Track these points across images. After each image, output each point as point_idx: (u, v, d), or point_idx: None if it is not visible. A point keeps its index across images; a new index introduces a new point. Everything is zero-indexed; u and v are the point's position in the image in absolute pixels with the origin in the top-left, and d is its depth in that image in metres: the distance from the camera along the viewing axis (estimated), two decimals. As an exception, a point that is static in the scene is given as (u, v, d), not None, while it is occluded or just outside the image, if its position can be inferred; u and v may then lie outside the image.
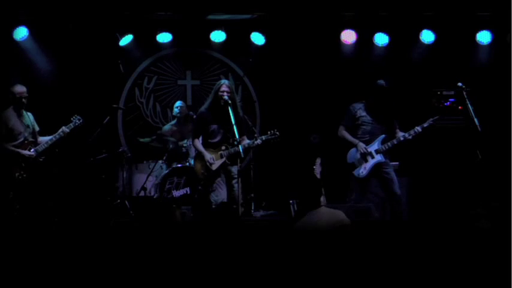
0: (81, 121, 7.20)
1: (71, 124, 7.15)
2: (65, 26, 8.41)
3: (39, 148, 7.07)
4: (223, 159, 6.65)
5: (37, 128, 7.22)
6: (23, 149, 6.95)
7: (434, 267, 3.34)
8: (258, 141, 6.74)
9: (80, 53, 8.52)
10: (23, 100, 7.00)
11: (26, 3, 7.99)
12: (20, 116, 7.06)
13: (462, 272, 3.33)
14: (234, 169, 6.66)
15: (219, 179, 6.74)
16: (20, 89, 7.02)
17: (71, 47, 8.48)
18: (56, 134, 7.13)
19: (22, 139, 6.98)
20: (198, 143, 6.83)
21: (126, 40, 8.59)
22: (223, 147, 6.68)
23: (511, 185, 6.41)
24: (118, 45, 8.56)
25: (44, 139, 7.18)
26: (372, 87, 7.00)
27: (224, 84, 6.67)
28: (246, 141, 6.68)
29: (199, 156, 6.83)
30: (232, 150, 6.59)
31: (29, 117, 7.15)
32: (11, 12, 8.08)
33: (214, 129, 6.72)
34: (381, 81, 6.98)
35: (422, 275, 3.29)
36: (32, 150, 6.99)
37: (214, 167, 6.65)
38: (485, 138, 6.35)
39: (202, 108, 6.88)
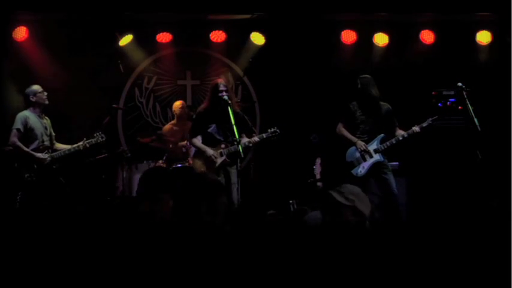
0: (103, 139, 7.15)
1: (92, 140, 7.09)
2: (65, 26, 8.42)
3: (56, 155, 7.01)
4: (223, 157, 6.59)
5: (53, 134, 7.20)
6: (37, 152, 6.92)
7: (433, 268, 3.34)
8: (256, 138, 6.68)
9: (80, 53, 8.52)
10: (45, 99, 7.00)
11: (26, 3, 8.00)
12: (40, 117, 7.04)
13: (461, 273, 3.33)
14: (233, 172, 6.61)
15: (218, 178, 6.63)
16: (41, 88, 7.02)
17: (70, 47, 8.49)
18: (76, 145, 7.08)
19: (39, 142, 6.94)
20: (197, 140, 6.77)
21: (126, 40, 8.60)
22: (222, 146, 6.63)
23: (511, 184, 6.40)
24: (118, 45, 8.57)
25: (61, 147, 7.15)
26: (356, 83, 7.02)
27: (222, 84, 6.61)
28: (246, 140, 6.62)
29: (198, 153, 6.79)
30: (232, 148, 6.54)
31: (47, 121, 7.14)
32: (11, 12, 8.10)
33: (213, 128, 6.67)
34: (363, 76, 7.00)
35: (421, 276, 3.29)
36: (46, 154, 6.95)
37: (218, 161, 6.58)
38: (485, 138, 6.34)
39: (201, 108, 6.86)
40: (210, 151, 6.61)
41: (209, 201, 3.34)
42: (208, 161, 6.63)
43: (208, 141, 6.70)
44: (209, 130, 6.68)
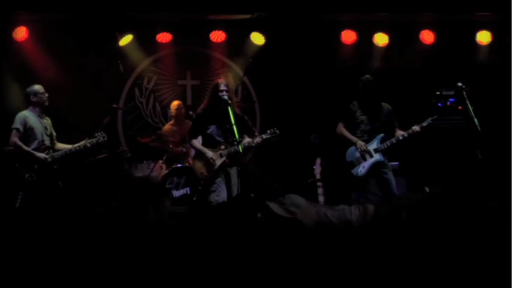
0: (105, 139, 7.14)
1: (93, 140, 7.08)
2: (65, 26, 8.43)
3: (56, 155, 6.99)
4: (223, 158, 6.53)
5: (54, 134, 7.19)
6: (38, 152, 6.92)
7: (433, 268, 3.34)
8: (258, 139, 6.63)
9: (80, 53, 8.53)
10: (46, 100, 7.00)
11: (26, 3, 8.00)
12: (40, 117, 7.03)
13: (461, 272, 3.33)
14: (234, 172, 6.60)
15: (219, 179, 6.63)
16: (42, 89, 7.01)
17: (70, 47, 8.49)
18: (77, 145, 7.05)
19: (39, 141, 6.94)
20: (197, 142, 6.70)
21: (126, 40, 8.60)
22: (222, 147, 6.57)
23: (511, 185, 6.40)
24: (118, 45, 8.57)
25: (62, 147, 7.15)
26: (358, 84, 7.03)
27: (223, 84, 6.56)
28: (246, 140, 6.60)
29: (198, 155, 6.75)
30: (232, 149, 6.51)
31: (47, 121, 7.13)
32: (11, 12, 8.11)
33: (213, 129, 6.61)
34: (365, 77, 7.01)
35: (421, 276, 3.29)
36: (47, 154, 6.95)
37: (217, 164, 6.51)
38: (485, 138, 6.34)
39: (200, 109, 6.82)
40: (209, 153, 6.55)
41: (154, 203, 3.37)
42: (208, 162, 6.58)
43: (208, 142, 6.65)
44: (209, 131, 6.61)
